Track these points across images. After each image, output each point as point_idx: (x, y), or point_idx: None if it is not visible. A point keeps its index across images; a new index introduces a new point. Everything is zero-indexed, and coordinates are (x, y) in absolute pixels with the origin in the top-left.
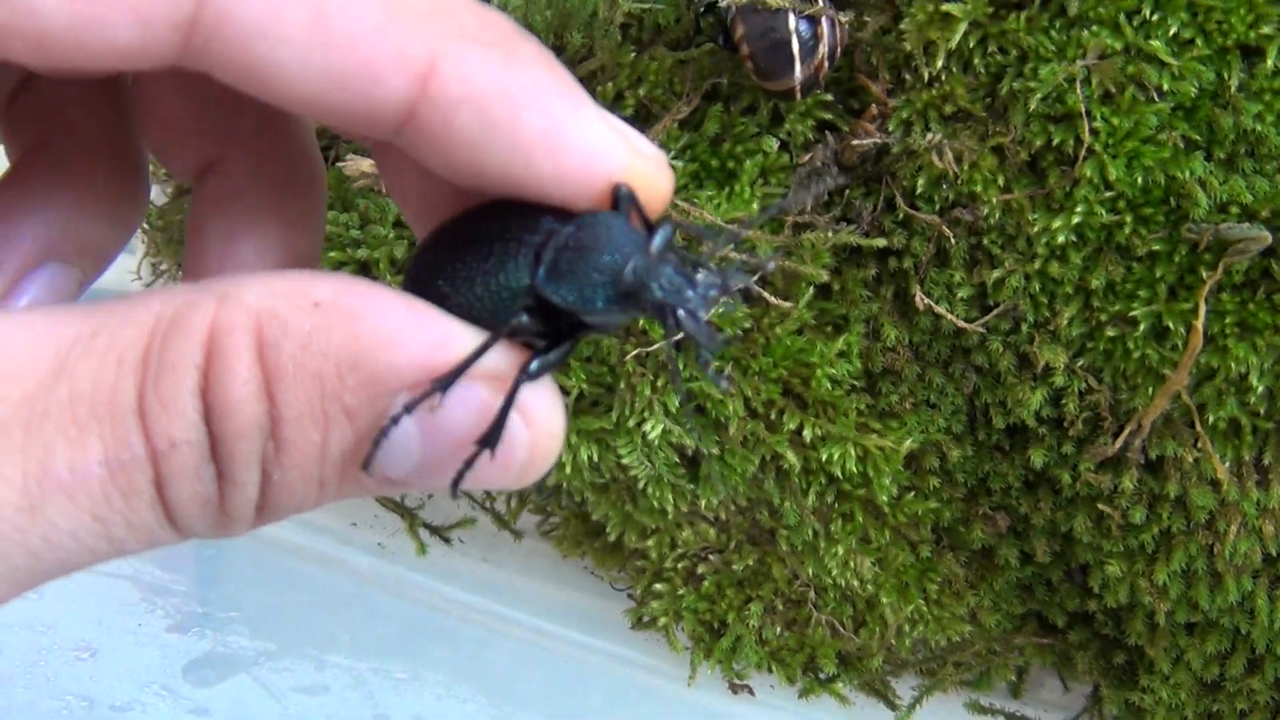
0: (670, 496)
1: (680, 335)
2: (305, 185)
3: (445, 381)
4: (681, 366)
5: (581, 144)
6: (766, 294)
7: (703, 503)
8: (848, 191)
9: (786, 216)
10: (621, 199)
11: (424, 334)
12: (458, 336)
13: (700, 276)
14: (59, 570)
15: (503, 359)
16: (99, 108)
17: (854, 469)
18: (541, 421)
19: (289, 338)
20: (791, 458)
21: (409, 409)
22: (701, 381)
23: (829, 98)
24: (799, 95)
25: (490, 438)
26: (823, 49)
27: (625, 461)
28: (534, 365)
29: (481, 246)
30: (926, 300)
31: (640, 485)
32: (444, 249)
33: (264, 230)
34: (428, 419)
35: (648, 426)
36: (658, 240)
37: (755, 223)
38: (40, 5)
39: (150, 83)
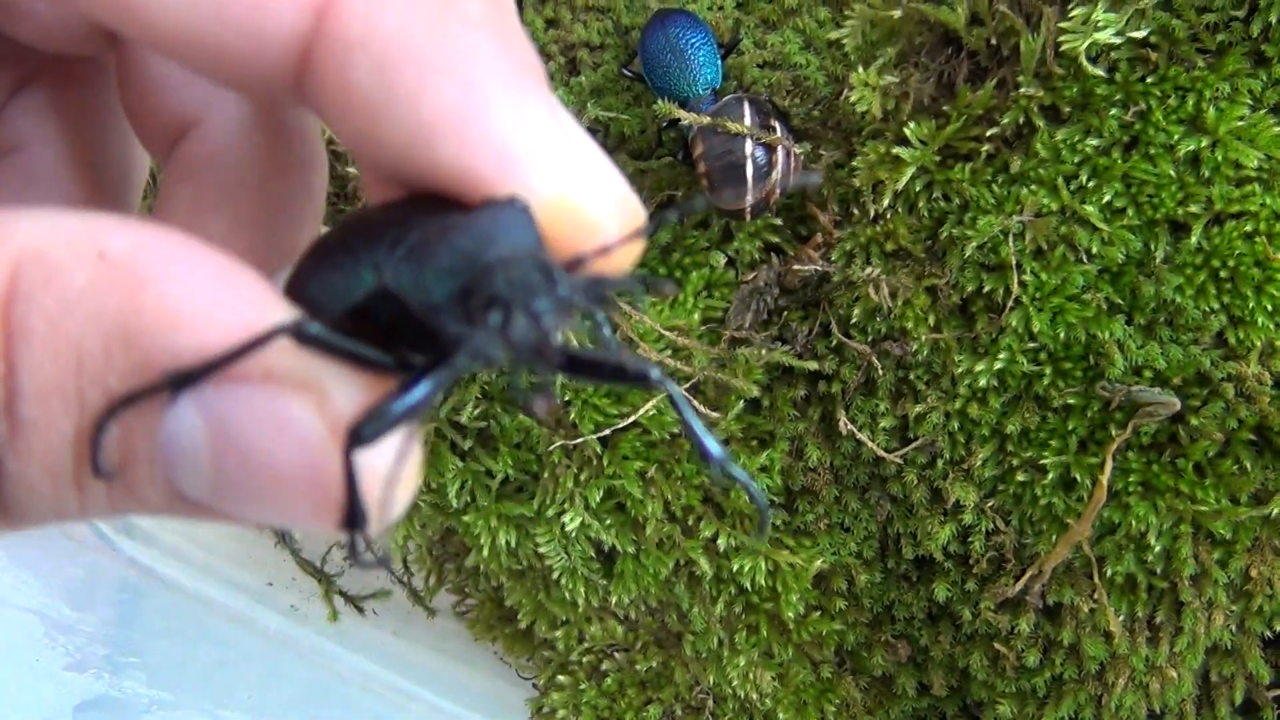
0: (583, 590)
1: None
2: (295, 167)
3: (184, 375)
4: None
5: (501, 137)
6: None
7: (614, 599)
8: (786, 313)
9: (724, 330)
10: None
11: (226, 314)
12: (269, 324)
13: (562, 286)
14: None
15: (332, 369)
16: (70, 111)
17: (764, 582)
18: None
19: (49, 291)
20: (704, 564)
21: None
22: (624, 480)
23: (778, 222)
24: (749, 216)
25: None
26: (775, 175)
27: (542, 550)
28: (389, 405)
29: (359, 235)
30: (850, 426)
31: (555, 576)
32: (331, 239)
33: (238, 209)
34: (218, 423)
35: (567, 518)
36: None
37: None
38: None
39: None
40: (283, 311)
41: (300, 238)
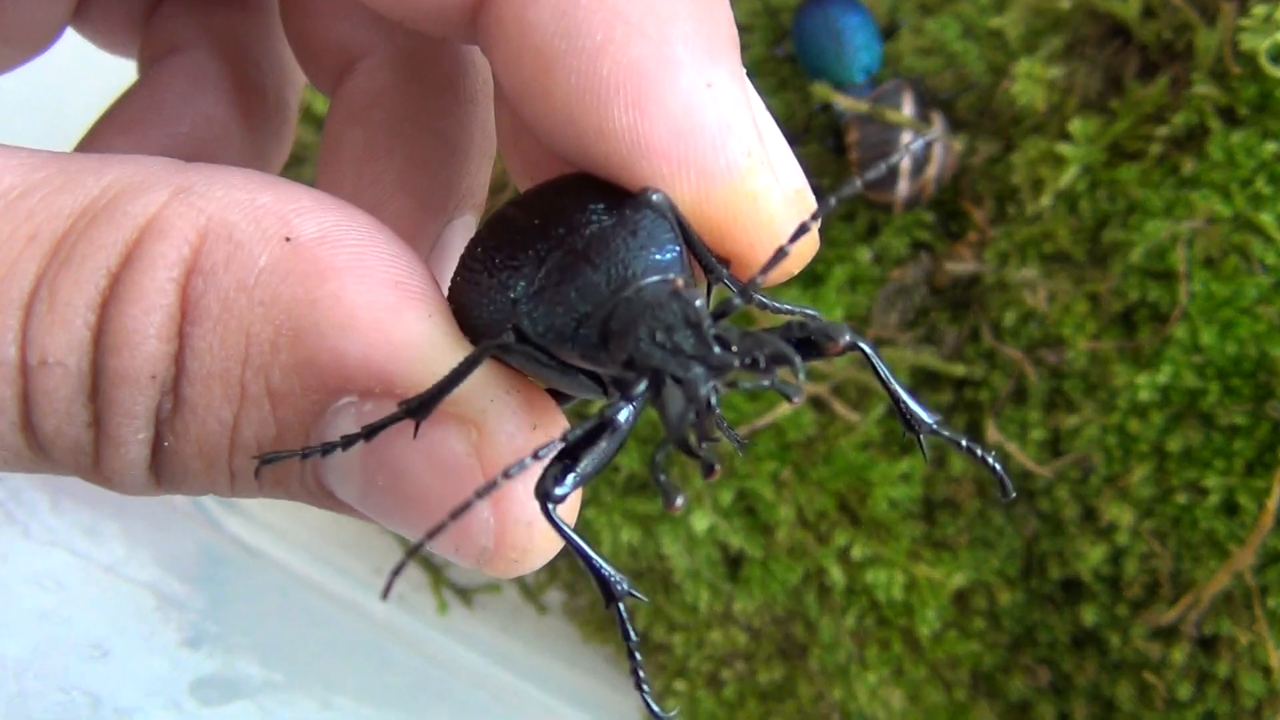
0: (706, 594)
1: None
2: (465, 103)
3: (413, 406)
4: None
5: (685, 105)
6: (835, 403)
7: (738, 606)
8: (933, 314)
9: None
10: (658, 207)
11: (398, 327)
12: (438, 348)
13: (718, 350)
14: None
15: (501, 407)
16: (233, 18)
17: (899, 596)
18: (511, 507)
19: (230, 270)
20: (836, 574)
21: (365, 436)
22: (756, 482)
23: (929, 217)
24: (900, 210)
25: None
26: (931, 170)
27: (665, 551)
28: (579, 465)
29: (518, 235)
30: (998, 435)
31: (676, 578)
32: (498, 227)
33: (410, 150)
34: (374, 450)
35: (695, 518)
36: (686, 288)
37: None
38: None
39: None
40: (449, 329)
41: (478, 178)
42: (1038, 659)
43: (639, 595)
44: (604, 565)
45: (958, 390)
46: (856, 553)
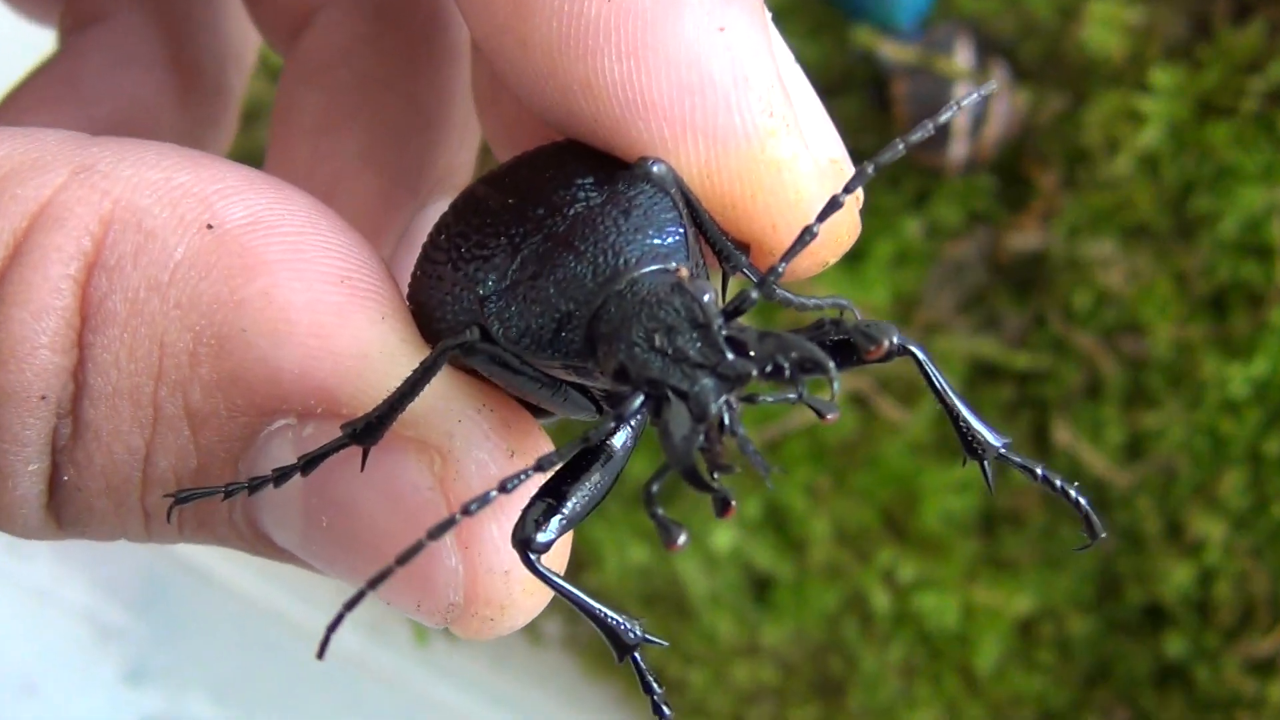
0: (728, 622)
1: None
2: (435, 62)
3: (358, 429)
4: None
5: (692, 51)
6: (880, 400)
7: (766, 636)
8: (994, 295)
9: (918, 313)
10: (658, 180)
11: (344, 332)
12: (393, 358)
13: (731, 356)
14: None
15: (471, 429)
16: None
17: (953, 624)
18: (483, 553)
19: (140, 265)
20: (880, 599)
21: (302, 468)
22: (787, 492)
23: (989, 183)
24: (955, 174)
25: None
26: (991, 129)
27: (681, 573)
28: (564, 507)
29: (489, 218)
30: (1068, 437)
31: (694, 604)
32: (466, 209)
33: (374, 118)
34: (317, 484)
35: (715, 535)
36: (693, 283)
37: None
38: None
39: None
40: (408, 335)
41: (458, 154)
42: (1114, 697)
43: (657, 640)
44: (609, 614)
45: (1020, 385)
46: (903, 573)
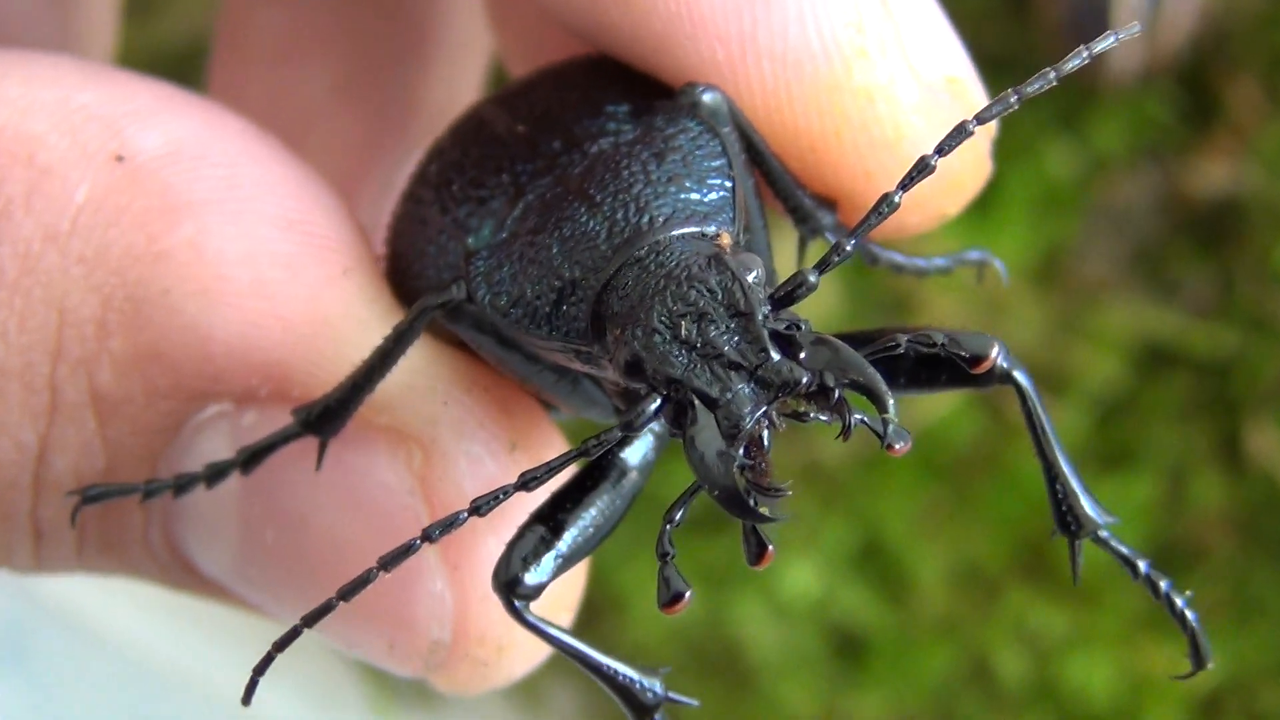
0: (804, 690)
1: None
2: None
3: (313, 415)
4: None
5: None
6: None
7: (857, 708)
8: (1167, 253)
9: (1068, 274)
10: (707, 114)
11: (296, 296)
12: (361, 324)
13: (777, 358)
14: None
15: (461, 415)
16: None
17: (1110, 697)
18: (478, 574)
19: (33, 210)
20: (1010, 662)
21: (242, 465)
22: (884, 517)
23: (1163, 104)
24: (1118, 86)
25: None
26: (1170, 28)
27: (741, 624)
28: (560, 541)
29: (492, 149)
30: (1268, 444)
31: (756, 664)
32: (466, 135)
33: (351, 43)
34: (257, 473)
35: (789, 570)
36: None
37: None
38: None
39: None
40: (378, 295)
41: (457, 83)
42: None
43: (683, 699)
44: (619, 669)
45: (1205, 374)
46: (1042, 629)
